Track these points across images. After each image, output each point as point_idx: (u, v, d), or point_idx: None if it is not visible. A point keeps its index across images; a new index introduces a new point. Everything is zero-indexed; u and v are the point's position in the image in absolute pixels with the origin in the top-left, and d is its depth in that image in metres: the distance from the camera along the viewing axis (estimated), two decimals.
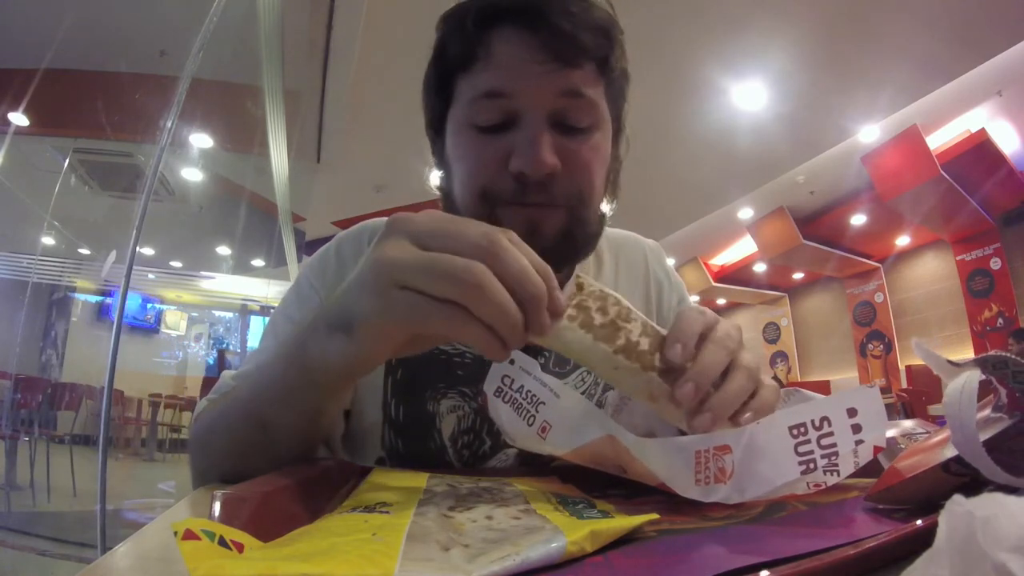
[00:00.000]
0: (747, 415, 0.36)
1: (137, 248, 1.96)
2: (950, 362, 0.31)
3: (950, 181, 5.28)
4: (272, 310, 0.65)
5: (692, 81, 3.89)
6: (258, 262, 6.20)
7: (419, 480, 0.40)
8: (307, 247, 5.55)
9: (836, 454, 0.31)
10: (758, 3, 3.21)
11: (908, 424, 0.45)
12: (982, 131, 5.17)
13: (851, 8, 3.25)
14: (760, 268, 8.05)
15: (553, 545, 0.22)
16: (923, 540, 0.16)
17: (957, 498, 0.15)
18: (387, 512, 0.29)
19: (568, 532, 0.24)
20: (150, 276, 6.03)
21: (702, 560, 0.22)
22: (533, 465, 0.56)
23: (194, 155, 4.17)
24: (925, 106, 4.47)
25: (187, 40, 2.11)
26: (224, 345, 7.76)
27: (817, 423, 0.31)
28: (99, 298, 6.62)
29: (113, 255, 4.60)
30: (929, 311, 7.12)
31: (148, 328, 7.41)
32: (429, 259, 0.30)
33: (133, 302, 6.88)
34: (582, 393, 0.63)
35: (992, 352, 0.29)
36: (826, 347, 8.47)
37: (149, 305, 7.33)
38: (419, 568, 0.20)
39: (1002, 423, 0.29)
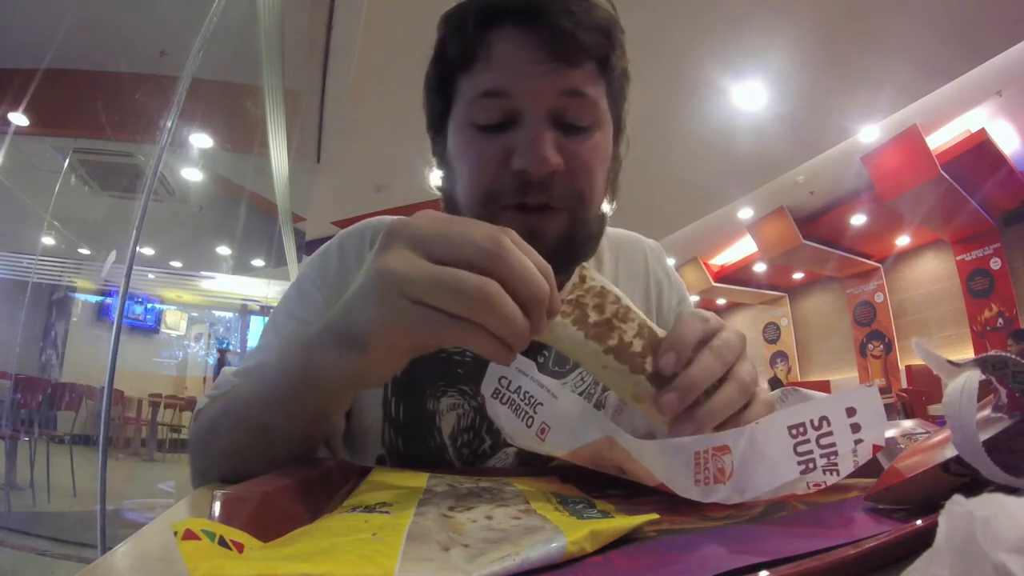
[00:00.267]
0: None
1: (137, 248, 1.96)
2: (950, 362, 0.31)
3: (950, 181, 5.28)
4: (272, 310, 0.65)
5: (692, 81, 3.89)
6: (258, 262, 6.21)
7: (419, 480, 0.40)
8: (307, 247, 5.55)
9: (835, 454, 0.30)
10: (758, 3, 3.21)
11: (908, 424, 0.45)
12: (982, 131, 5.17)
13: (851, 8, 3.25)
14: (760, 268, 8.05)
15: (553, 545, 0.22)
16: (923, 540, 0.15)
17: (957, 498, 0.15)
18: (387, 512, 0.29)
19: (568, 532, 0.24)
20: (150, 276, 6.03)
21: (702, 560, 0.22)
22: (533, 465, 0.56)
23: (194, 155, 4.17)
24: (925, 106, 4.48)
25: (187, 40, 2.11)
26: (225, 345, 7.77)
27: (816, 423, 0.31)
28: (99, 298, 6.63)
29: (113, 255, 4.61)
30: (929, 311, 7.13)
31: (148, 328, 7.41)
32: (438, 275, 0.30)
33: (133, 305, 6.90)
34: (581, 393, 0.62)
35: (992, 352, 0.29)
36: (826, 347, 8.47)
37: (149, 305, 7.34)
38: (419, 568, 0.20)
39: (1002, 423, 0.29)
